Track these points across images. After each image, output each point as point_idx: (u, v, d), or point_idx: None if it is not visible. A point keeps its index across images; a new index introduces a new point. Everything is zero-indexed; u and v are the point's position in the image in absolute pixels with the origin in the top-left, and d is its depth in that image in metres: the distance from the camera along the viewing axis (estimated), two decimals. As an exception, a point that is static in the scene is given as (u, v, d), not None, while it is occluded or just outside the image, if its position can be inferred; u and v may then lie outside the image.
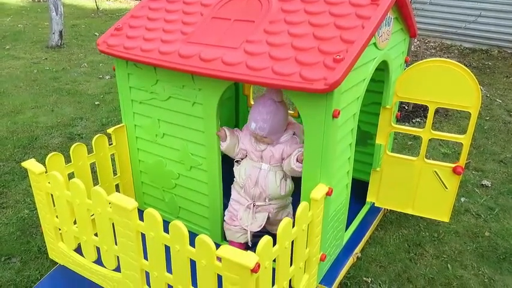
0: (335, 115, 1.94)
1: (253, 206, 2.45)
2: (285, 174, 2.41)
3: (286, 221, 1.82)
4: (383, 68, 2.54)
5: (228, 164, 2.62)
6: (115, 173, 2.83)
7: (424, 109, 5.11)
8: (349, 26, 1.99)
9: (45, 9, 10.51)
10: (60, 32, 7.81)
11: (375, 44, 2.21)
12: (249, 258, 1.57)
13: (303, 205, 1.95)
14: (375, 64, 2.29)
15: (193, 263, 1.80)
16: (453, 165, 2.63)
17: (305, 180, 2.16)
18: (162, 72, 2.38)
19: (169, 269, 1.94)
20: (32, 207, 3.24)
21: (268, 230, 2.55)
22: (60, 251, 2.50)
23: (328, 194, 2.13)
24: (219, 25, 2.29)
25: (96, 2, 11.74)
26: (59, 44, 7.82)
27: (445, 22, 7.94)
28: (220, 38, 2.21)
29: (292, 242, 1.95)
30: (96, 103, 5.35)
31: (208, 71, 2.08)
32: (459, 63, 2.42)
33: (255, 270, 1.57)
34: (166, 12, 2.54)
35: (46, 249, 2.64)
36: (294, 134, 2.39)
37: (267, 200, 2.43)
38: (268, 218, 2.48)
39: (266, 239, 1.69)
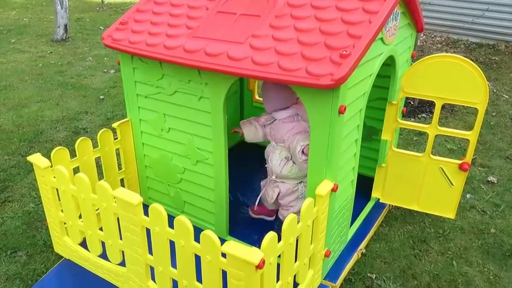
0: (341, 111, 1.92)
1: (270, 180, 2.64)
2: (289, 156, 2.49)
3: (291, 217, 1.82)
4: (389, 63, 2.52)
5: (233, 158, 2.61)
6: (120, 168, 2.83)
7: (430, 104, 5.07)
8: (356, 21, 1.97)
9: (50, 2, 10.49)
10: (65, 26, 7.80)
11: (382, 39, 2.19)
12: (254, 255, 1.57)
13: (308, 201, 1.94)
14: (382, 59, 2.27)
15: (198, 258, 1.80)
16: (459, 161, 2.61)
17: (310, 176, 2.15)
18: (168, 66, 2.37)
19: (174, 264, 1.94)
20: (37, 201, 3.26)
21: (280, 215, 2.71)
22: (65, 245, 2.52)
23: (334, 190, 2.12)
24: (225, 19, 2.27)
25: (100, -5, 11.71)
26: (64, 38, 7.82)
27: (451, 16, 7.86)
28: (226, 32, 2.19)
29: (297, 238, 1.95)
30: (101, 97, 5.35)
31: (213, 65, 2.07)
32: (466, 59, 2.40)
33: (259, 266, 1.57)
34: (171, 6, 2.52)
35: (51, 243, 2.66)
36: (297, 115, 2.47)
37: (274, 177, 2.57)
38: (279, 197, 2.61)
39: (271, 235, 1.69)
